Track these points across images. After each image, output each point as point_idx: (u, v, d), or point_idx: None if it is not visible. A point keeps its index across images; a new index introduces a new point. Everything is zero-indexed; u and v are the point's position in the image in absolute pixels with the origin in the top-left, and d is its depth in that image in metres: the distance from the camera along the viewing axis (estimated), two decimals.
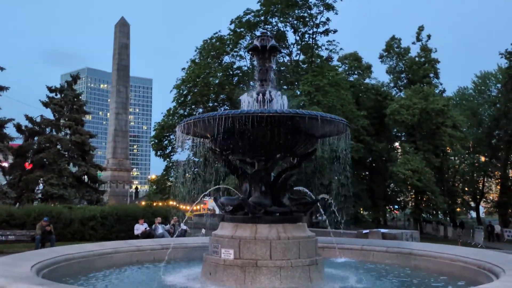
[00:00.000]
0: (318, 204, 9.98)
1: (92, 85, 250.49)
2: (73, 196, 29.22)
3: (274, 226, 8.96)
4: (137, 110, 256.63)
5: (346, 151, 10.34)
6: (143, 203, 40.07)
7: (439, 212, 48.00)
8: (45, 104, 31.96)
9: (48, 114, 32.03)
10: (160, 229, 19.67)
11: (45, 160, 30.07)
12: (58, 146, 30.91)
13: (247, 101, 10.02)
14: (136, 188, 70.12)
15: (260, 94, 9.89)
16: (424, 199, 43.72)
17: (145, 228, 19.55)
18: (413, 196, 47.01)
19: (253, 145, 9.26)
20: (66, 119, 31.50)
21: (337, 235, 22.84)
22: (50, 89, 32.59)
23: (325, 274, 9.16)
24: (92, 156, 32.57)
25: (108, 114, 62.69)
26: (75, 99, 33.12)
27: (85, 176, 31.82)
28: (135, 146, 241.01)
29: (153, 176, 65.94)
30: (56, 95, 33.02)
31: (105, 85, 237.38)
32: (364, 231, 22.66)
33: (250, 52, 10.77)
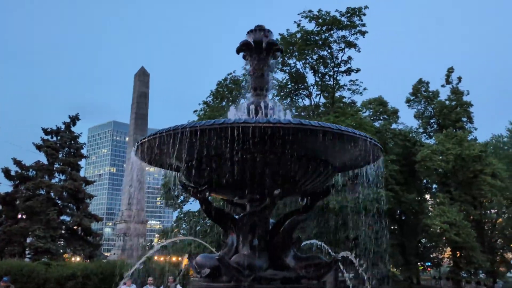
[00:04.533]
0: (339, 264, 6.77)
1: (117, 138, 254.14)
2: (63, 250, 25.98)
3: None
4: None
5: (378, 187, 7.18)
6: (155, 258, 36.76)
7: (481, 271, 42.85)
8: (38, 147, 29.15)
9: (43, 158, 29.50)
10: None
11: (34, 209, 26.68)
12: (52, 194, 28.01)
13: (235, 115, 7.14)
14: (151, 241, 67.00)
15: (252, 106, 7.00)
16: (463, 255, 38.98)
17: None
18: (450, 252, 42.26)
19: (238, 177, 6.23)
20: (60, 163, 28.90)
21: None
22: (46, 131, 30.14)
23: None
24: (87, 205, 29.60)
25: None
26: (72, 142, 30.56)
27: (79, 228, 28.55)
28: (158, 198, 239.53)
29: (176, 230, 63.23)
30: (51, 137, 30.52)
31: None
32: None
33: (240, 53, 7.90)
